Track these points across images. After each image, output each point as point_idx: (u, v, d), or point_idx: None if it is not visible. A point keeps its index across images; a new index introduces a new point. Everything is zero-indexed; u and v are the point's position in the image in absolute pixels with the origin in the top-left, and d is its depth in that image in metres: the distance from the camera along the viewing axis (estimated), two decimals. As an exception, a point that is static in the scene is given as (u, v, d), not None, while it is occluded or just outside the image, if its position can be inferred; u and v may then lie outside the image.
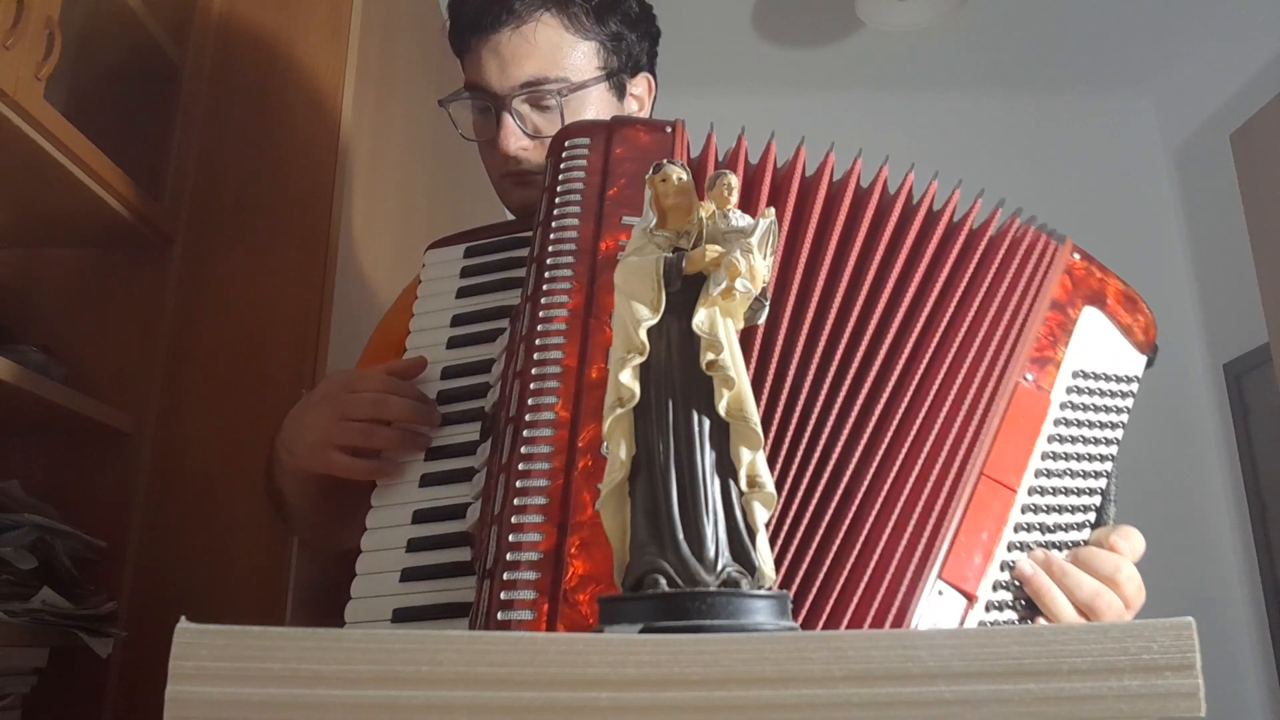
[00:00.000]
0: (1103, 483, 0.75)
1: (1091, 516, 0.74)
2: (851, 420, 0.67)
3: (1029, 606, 0.68)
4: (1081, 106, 3.53)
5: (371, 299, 1.50)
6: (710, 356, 0.40)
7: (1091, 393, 0.76)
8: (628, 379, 0.41)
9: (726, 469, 0.41)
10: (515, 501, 0.61)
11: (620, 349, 0.41)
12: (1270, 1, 2.87)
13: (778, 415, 0.66)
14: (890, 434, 0.68)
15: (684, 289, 0.42)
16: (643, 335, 0.41)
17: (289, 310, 1.35)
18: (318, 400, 0.83)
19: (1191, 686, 0.33)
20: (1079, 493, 0.73)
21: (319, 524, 0.94)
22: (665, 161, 0.43)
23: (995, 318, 0.73)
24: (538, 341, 0.67)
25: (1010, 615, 0.67)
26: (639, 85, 1.04)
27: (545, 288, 0.70)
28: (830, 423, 0.67)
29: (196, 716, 0.32)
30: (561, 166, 0.77)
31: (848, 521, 0.65)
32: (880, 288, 0.72)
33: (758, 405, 0.62)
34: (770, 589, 0.40)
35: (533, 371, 0.66)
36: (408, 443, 0.78)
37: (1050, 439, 0.72)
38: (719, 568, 0.39)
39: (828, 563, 0.63)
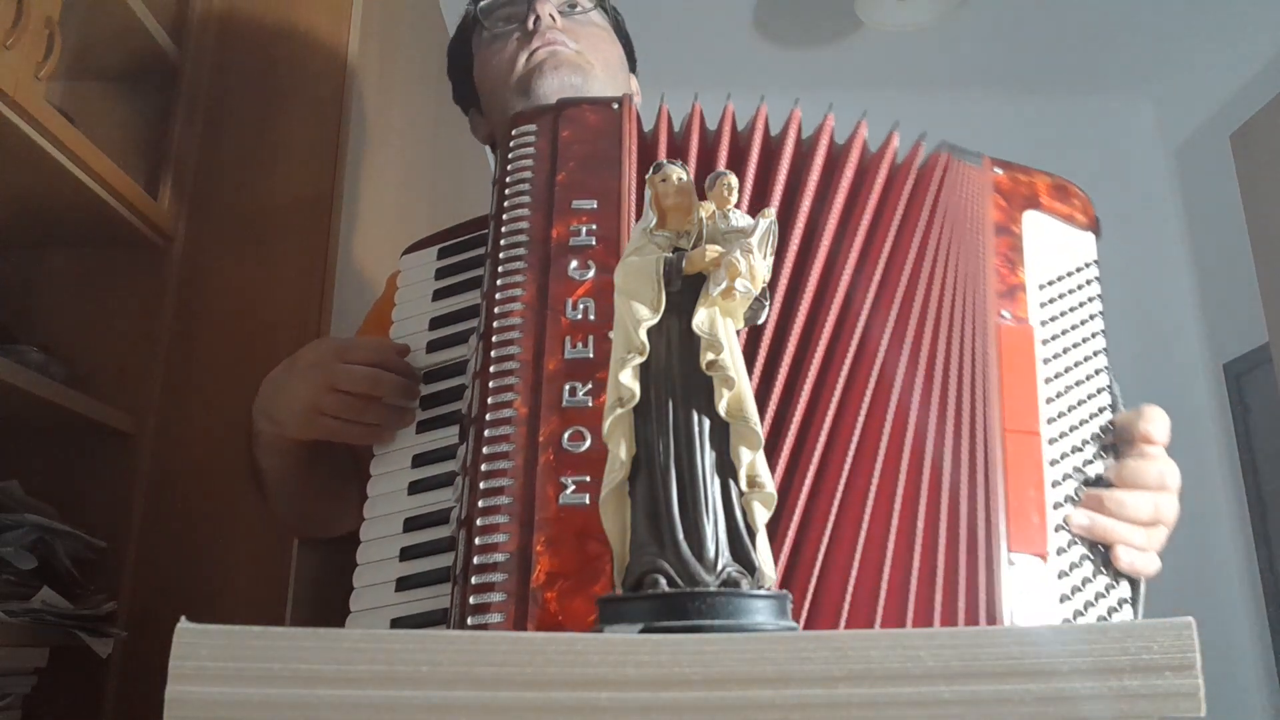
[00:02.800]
0: (1105, 378, 0.73)
1: (1108, 414, 0.72)
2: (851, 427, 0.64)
3: (1094, 548, 0.66)
4: (1081, 107, 3.53)
5: (371, 299, 1.49)
6: (710, 356, 0.40)
7: (1062, 296, 0.73)
8: (628, 379, 0.41)
9: (726, 469, 0.41)
10: (480, 503, 0.61)
11: (620, 349, 0.41)
12: (1270, 1, 2.87)
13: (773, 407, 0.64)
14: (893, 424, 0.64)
15: (684, 289, 0.42)
16: (643, 335, 0.41)
17: (289, 310, 1.35)
18: (305, 368, 0.81)
19: (1191, 686, 0.33)
20: (1090, 398, 0.71)
21: (300, 500, 0.91)
22: (665, 161, 0.43)
23: (947, 267, 0.69)
24: (494, 339, 0.67)
25: (1085, 567, 0.65)
26: (633, 82, 1.05)
27: (499, 283, 0.69)
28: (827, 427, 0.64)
29: (196, 716, 0.32)
30: (510, 157, 0.76)
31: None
32: (815, 241, 0.69)
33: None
34: (770, 589, 0.40)
35: (491, 369, 0.65)
36: (395, 419, 0.78)
37: (1045, 362, 0.69)
38: (719, 568, 0.39)
39: (888, 563, 0.60)
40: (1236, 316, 3.07)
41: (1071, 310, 0.73)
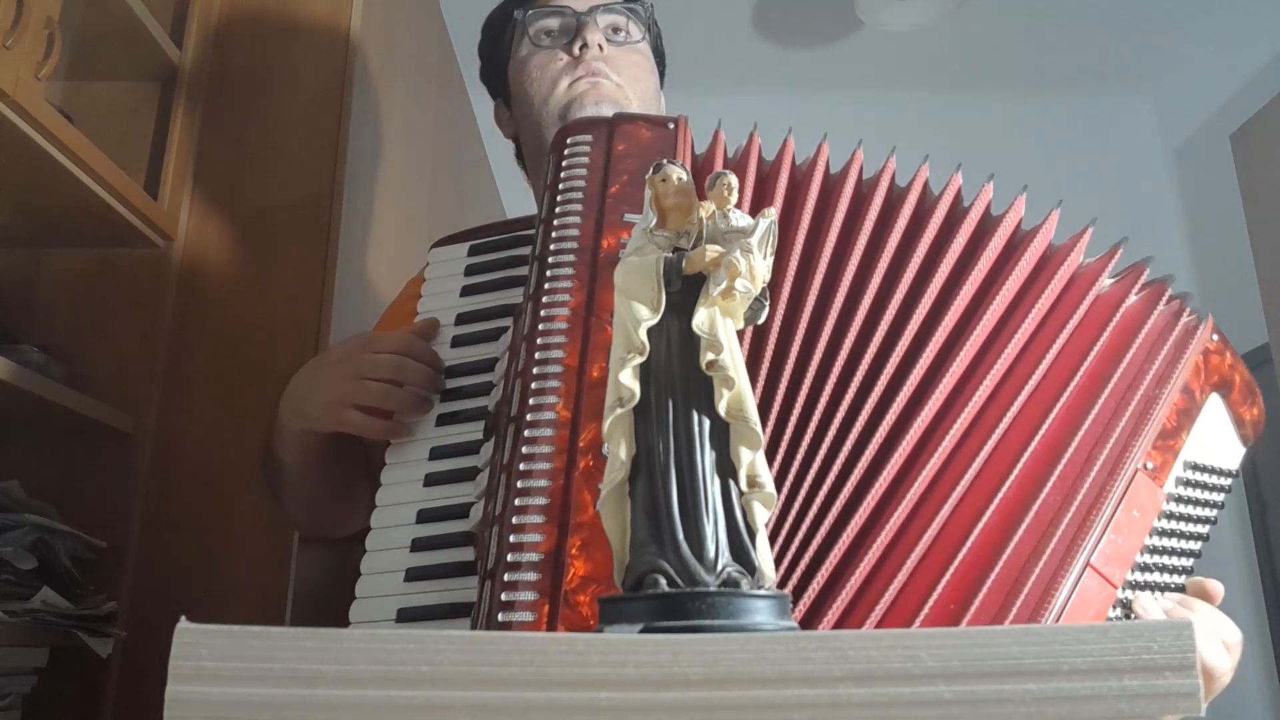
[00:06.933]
0: (1184, 580, 0.71)
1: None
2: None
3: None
4: (1081, 106, 3.53)
5: (372, 299, 1.49)
6: (710, 356, 0.40)
7: (1198, 486, 0.71)
8: (628, 379, 0.41)
9: (726, 469, 0.41)
10: (516, 502, 0.61)
11: (620, 349, 0.41)
12: (1270, 1, 2.87)
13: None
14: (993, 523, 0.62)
15: (684, 289, 0.41)
16: (643, 335, 0.41)
17: (289, 310, 1.35)
18: (334, 361, 0.83)
19: (1191, 686, 0.33)
20: (1164, 589, 0.69)
21: (315, 497, 0.92)
22: (665, 161, 0.43)
23: (1126, 395, 0.67)
24: (539, 341, 0.67)
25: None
26: (661, 101, 1.06)
27: (547, 286, 0.69)
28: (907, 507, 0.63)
29: (196, 716, 0.32)
30: (563, 164, 0.77)
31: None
32: (969, 319, 0.68)
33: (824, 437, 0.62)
34: (770, 589, 0.40)
35: (534, 371, 0.66)
36: (420, 406, 0.78)
37: (1153, 533, 0.67)
38: (719, 568, 0.39)
39: None
40: (1236, 316, 3.07)
41: (1198, 504, 0.71)
